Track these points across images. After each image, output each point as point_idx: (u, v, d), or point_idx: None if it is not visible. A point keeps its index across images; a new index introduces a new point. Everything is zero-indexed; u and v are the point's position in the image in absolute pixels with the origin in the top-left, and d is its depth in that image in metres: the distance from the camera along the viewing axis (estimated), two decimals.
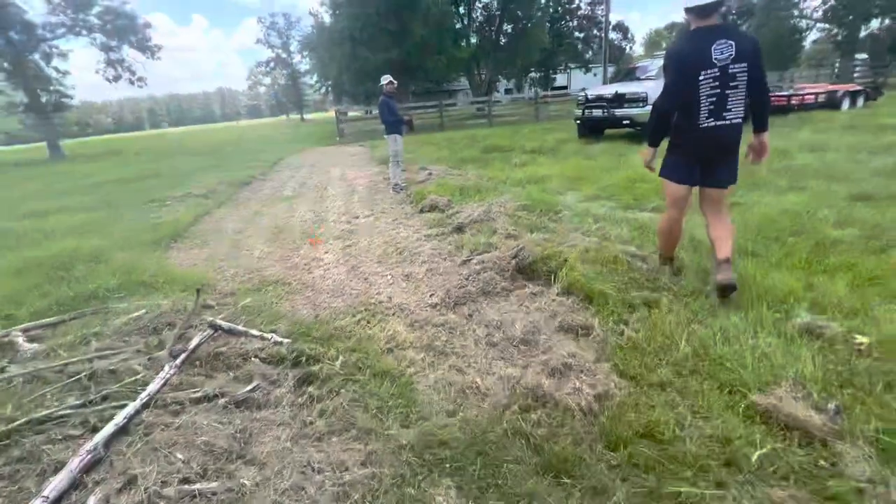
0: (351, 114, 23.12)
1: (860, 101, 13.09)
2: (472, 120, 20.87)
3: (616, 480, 1.60)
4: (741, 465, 1.62)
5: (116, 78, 27.21)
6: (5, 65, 23.75)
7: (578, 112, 11.25)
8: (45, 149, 26.14)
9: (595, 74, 32.78)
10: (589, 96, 10.94)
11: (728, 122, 2.60)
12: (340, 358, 2.43)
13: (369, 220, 5.64)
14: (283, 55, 54.73)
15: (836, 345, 2.16)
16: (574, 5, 32.69)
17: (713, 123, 2.61)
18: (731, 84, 2.54)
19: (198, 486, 1.63)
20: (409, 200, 6.47)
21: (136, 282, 3.77)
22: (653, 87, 9.14)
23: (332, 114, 22.63)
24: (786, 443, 1.70)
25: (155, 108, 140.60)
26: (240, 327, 2.74)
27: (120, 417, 1.93)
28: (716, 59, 2.53)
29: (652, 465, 1.65)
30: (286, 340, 2.60)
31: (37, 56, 24.86)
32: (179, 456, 1.76)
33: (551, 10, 30.10)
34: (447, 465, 1.72)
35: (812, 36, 33.67)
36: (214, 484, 1.65)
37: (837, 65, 24.66)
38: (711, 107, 2.58)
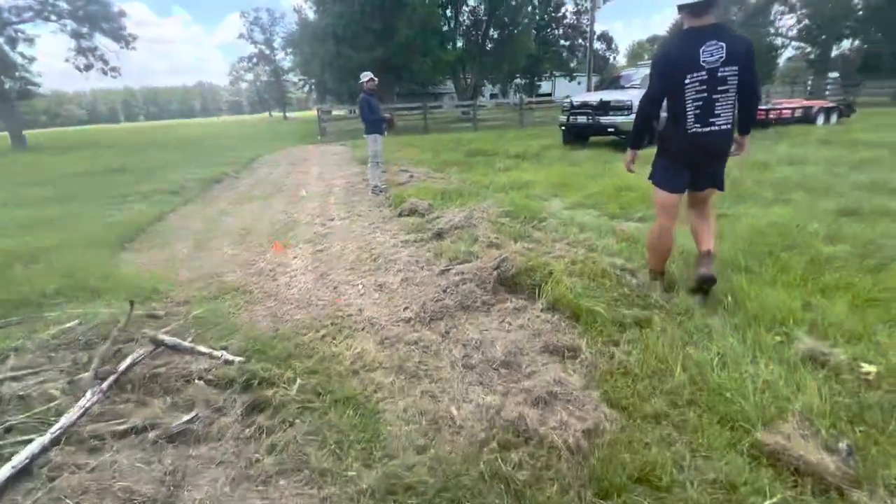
0: (334, 112, 22.64)
1: (834, 118, 13.45)
2: (457, 123, 20.69)
3: None
4: None
5: (88, 67, 25.88)
6: None
7: (563, 118, 11.21)
8: (7, 138, 24.75)
9: (579, 83, 33.15)
10: (574, 103, 10.93)
11: (717, 128, 2.45)
12: (298, 381, 2.15)
13: (344, 223, 5.34)
14: (267, 51, 53.58)
15: (843, 374, 1.99)
16: (560, 14, 33.08)
17: (700, 129, 2.45)
18: (720, 88, 2.39)
19: None
20: (387, 203, 6.19)
21: (78, 286, 3.40)
22: (637, 96, 9.01)
23: (315, 112, 22.09)
24: (797, 490, 1.51)
25: (130, 101, 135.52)
26: (186, 343, 2.41)
27: (20, 457, 1.60)
28: (704, 61, 2.36)
29: None
30: (238, 359, 2.30)
31: (1, 40, 23.52)
32: None
33: (538, 17, 30.30)
34: None
35: (787, 53, 34.84)
36: None
37: (810, 82, 25.42)
38: (698, 111, 2.43)
